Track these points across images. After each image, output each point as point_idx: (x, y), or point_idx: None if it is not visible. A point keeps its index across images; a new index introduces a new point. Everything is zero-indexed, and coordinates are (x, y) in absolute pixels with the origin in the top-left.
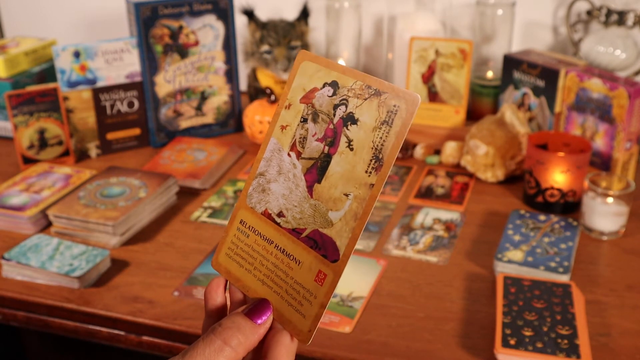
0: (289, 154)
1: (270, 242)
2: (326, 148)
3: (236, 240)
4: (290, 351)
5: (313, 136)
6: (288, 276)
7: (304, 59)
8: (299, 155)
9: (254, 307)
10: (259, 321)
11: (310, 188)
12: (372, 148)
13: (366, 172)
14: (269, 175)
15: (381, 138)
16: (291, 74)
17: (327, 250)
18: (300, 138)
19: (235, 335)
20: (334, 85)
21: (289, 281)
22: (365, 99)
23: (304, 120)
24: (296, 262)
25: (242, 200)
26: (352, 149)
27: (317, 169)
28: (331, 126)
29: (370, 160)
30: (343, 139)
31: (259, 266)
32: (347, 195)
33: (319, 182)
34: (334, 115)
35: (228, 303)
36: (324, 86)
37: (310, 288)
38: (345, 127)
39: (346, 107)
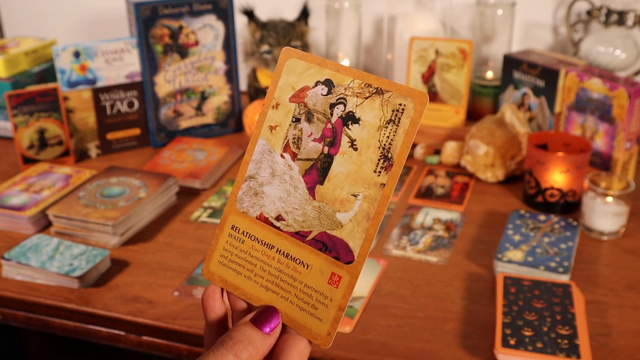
0: (282, 155)
1: (271, 247)
2: (326, 148)
3: (229, 247)
4: (303, 356)
5: (309, 136)
6: (296, 280)
7: (290, 56)
8: (294, 156)
9: (260, 315)
10: (268, 330)
11: (311, 190)
12: (379, 147)
13: (375, 171)
14: (260, 178)
15: (388, 137)
16: (276, 72)
17: (338, 252)
18: (293, 138)
19: (246, 348)
20: (329, 83)
21: (297, 285)
22: (366, 98)
23: (297, 120)
24: (304, 266)
25: (231, 205)
26: (356, 149)
27: (318, 170)
28: (329, 126)
29: (379, 160)
30: (344, 139)
31: (260, 272)
32: (355, 195)
33: (321, 183)
34: (332, 114)
35: (228, 307)
36: (316, 84)
37: (324, 291)
38: (345, 127)
39: (345, 106)
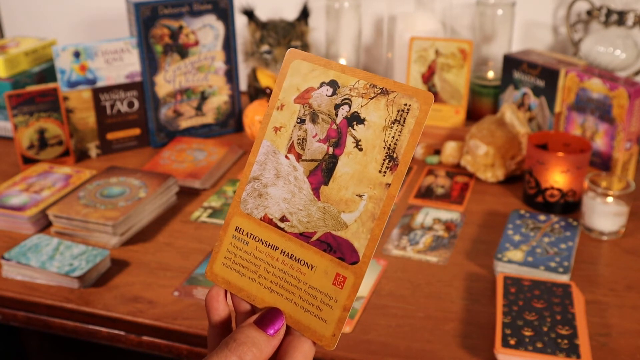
0: (286, 156)
1: (275, 248)
2: (330, 149)
3: (233, 249)
4: (307, 357)
5: (314, 137)
6: (301, 282)
7: (295, 57)
8: (298, 157)
9: (264, 317)
10: (272, 331)
11: (316, 190)
12: (385, 147)
13: (380, 171)
14: (265, 179)
15: (393, 137)
16: (281, 74)
17: (343, 253)
18: (298, 139)
19: (250, 350)
20: (333, 84)
21: (302, 287)
22: (372, 98)
23: (301, 121)
24: (308, 267)
25: (235, 206)
26: (361, 149)
27: (322, 171)
28: (334, 126)
29: (384, 160)
30: (349, 139)
31: (264, 274)
32: (360, 196)
33: (326, 184)
34: (336, 115)
35: (231, 309)
36: (321, 85)
37: (329, 292)
38: (350, 127)
39: (349, 106)
